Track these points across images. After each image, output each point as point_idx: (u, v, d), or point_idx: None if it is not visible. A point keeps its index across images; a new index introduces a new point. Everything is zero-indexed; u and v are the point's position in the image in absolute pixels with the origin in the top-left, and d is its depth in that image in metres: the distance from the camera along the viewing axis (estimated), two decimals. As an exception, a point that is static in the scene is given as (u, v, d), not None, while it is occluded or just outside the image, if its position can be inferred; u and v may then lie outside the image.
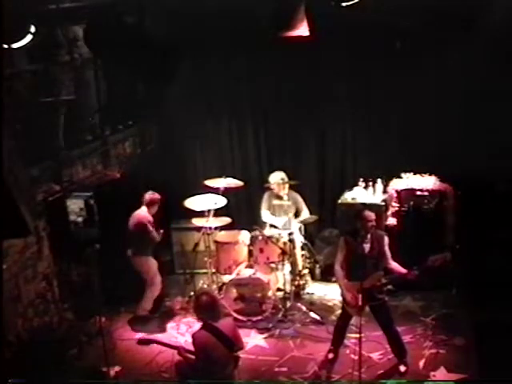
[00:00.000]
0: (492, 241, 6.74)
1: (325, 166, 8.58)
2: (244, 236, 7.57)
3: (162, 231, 7.10)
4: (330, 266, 6.36)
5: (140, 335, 6.64)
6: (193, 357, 4.96)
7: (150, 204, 6.98)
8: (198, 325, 5.15)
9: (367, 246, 5.73)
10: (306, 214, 7.71)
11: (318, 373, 6.02)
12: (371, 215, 5.71)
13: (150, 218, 6.94)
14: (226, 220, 7.66)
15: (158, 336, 6.65)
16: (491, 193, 7.00)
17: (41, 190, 6.27)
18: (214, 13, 7.09)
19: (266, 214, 7.73)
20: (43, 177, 6.32)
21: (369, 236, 5.73)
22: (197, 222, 7.58)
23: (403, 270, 5.63)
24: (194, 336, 4.95)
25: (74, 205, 7.75)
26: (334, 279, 7.16)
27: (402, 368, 5.91)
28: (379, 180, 7.66)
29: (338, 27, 7.08)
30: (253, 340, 6.65)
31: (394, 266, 5.73)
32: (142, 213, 6.97)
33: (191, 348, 4.98)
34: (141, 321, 7.06)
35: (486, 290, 6.63)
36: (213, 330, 4.84)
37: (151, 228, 6.91)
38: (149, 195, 6.99)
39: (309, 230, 8.13)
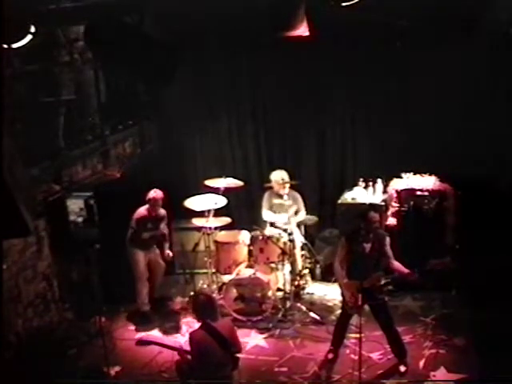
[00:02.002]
0: (492, 241, 6.73)
1: (325, 166, 8.59)
2: (244, 236, 7.57)
3: (151, 232, 7.08)
4: (330, 266, 6.37)
5: (140, 335, 6.65)
6: (190, 356, 4.98)
7: (148, 202, 7.01)
8: (198, 325, 5.15)
9: (368, 246, 5.72)
10: (303, 214, 7.71)
11: (318, 373, 6.02)
12: (376, 216, 5.71)
13: (143, 214, 6.98)
14: (226, 220, 7.65)
15: (158, 337, 6.67)
16: (491, 193, 7.00)
17: (41, 189, 6.27)
18: (215, 13, 7.09)
19: (267, 213, 7.72)
20: (43, 177, 6.32)
21: (370, 236, 5.73)
22: (197, 221, 7.58)
23: (405, 270, 5.61)
24: (191, 335, 4.98)
25: (74, 205, 7.74)
26: (334, 279, 7.19)
27: (402, 368, 5.90)
28: (379, 180, 7.66)
29: (338, 27, 7.08)
30: (253, 340, 6.65)
31: (397, 265, 5.70)
32: (140, 209, 7.03)
33: (189, 348, 5.00)
34: (141, 318, 7.07)
35: (486, 290, 6.63)
36: (210, 330, 4.85)
37: (141, 224, 6.95)
38: (149, 194, 7.01)
39: (309, 230, 8.12)
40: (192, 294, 7.36)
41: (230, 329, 5.06)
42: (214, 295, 7.14)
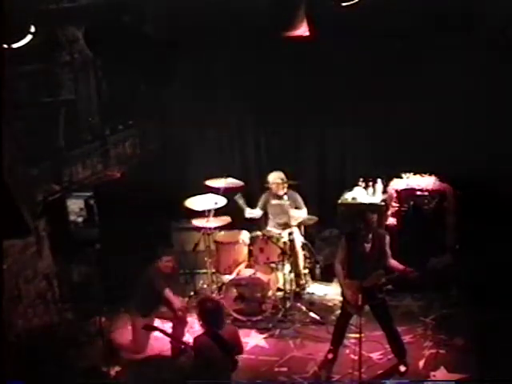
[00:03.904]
0: (492, 241, 6.74)
1: (325, 166, 8.58)
2: (244, 236, 7.57)
3: None
4: (331, 266, 6.36)
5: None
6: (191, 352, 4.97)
7: None
8: (198, 325, 5.13)
9: (368, 246, 5.73)
10: (305, 212, 7.71)
11: (318, 373, 6.02)
12: (374, 217, 5.72)
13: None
14: (226, 220, 7.65)
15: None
16: (491, 193, 7.00)
17: (41, 190, 6.27)
18: (214, 13, 7.09)
19: (256, 211, 7.73)
20: (43, 177, 6.32)
21: (370, 235, 5.74)
22: (197, 221, 7.58)
23: (402, 267, 5.63)
24: (195, 340, 4.90)
25: (74, 205, 7.75)
26: (334, 279, 7.19)
27: (402, 368, 5.91)
28: (379, 180, 7.66)
29: (338, 27, 7.08)
30: (253, 340, 6.65)
31: (394, 263, 5.72)
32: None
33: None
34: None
35: (486, 290, 6.63)
36: (214, 337, 4.76)
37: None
38: None
39: (309, 230, 8.11)
40: (195, 293, 7.36)
41: (233, 334, 4.99)
42: (214, 295, 7.15)
